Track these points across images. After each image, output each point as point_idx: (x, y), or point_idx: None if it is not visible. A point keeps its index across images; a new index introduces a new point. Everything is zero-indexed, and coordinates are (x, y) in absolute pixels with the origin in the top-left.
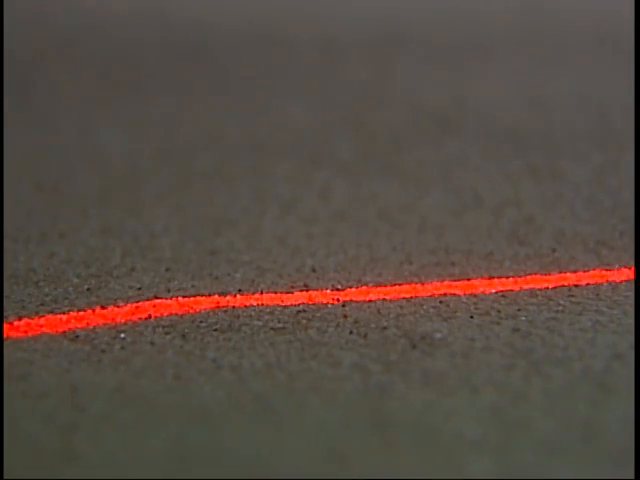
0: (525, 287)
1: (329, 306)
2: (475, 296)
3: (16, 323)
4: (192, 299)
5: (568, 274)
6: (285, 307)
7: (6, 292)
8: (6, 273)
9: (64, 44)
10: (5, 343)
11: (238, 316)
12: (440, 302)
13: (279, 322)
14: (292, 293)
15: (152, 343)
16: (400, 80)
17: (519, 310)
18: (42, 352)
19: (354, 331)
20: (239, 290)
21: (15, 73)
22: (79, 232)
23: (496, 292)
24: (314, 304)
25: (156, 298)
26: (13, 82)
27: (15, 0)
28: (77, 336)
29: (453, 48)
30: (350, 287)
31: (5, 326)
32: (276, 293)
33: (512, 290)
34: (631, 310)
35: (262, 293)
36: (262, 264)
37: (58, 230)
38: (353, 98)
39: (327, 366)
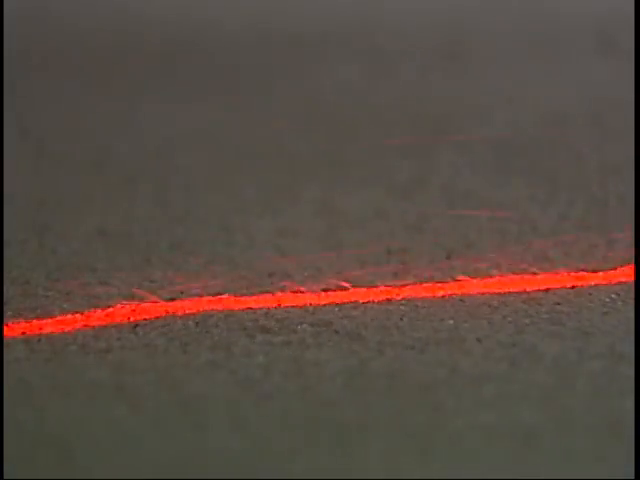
0: (523, 288)
1: (324, 308)
2: (472, 297)
3: (15, 324)
4: (188, 301)
5: (567, 274)
6: (279, 309)
7: (5, 293)
8: (5, 274)
9: (62, 44)
10: (4, 344)
11: (233, 318)
12: (437, 303)
13: (274, 324)
14: (287, 295)
15: (148, 344)
16: (397, 80)
17: (518, 311)
18: (40, 353)
19: (350, 333)
20: (234, 292)
21: (13, 74)
22: (77, 234)
23: (493, 293)
24: (308, 306)
25: (152, 300)
26: (11, 83)
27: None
28: (75, 337)
29: (450, 48)
30: (345, 289)
31: (4, 327)
32: (271, 295)
33: (510, 291)
34: (631, 310)
35: (257, 295)
36: (257, 266)
37: (56, 232)
38: (350, 99)
39: (322, 368)
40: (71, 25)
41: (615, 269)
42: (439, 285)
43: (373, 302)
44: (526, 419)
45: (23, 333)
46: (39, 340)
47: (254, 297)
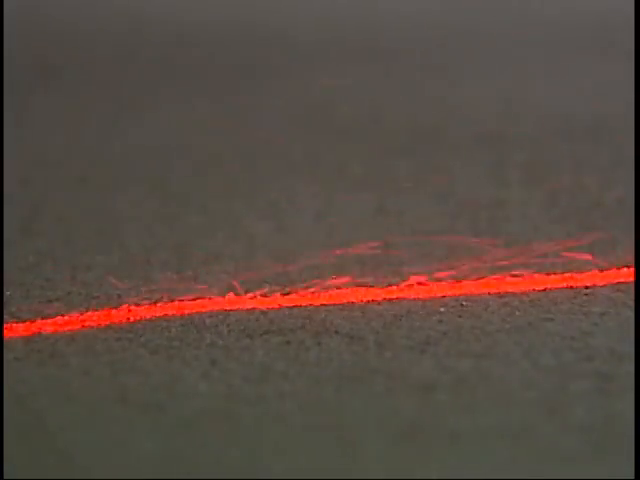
0: (523, 289)
1: (324, 308)
2: (472, 297)
3: (15, 324)
4: (188, 301)
5: (567, 275)
6: (279, 309)
7: (5, 293)
8: (5, 274)
9: (61, 44)
10: (4, 344)
11: (232, 318)
12: (437, 303)
13: (273, 324)
14: (287, 295)
15: (148, 345)
16: (395, 83)
17: (517, 311)
18: (40, 353)
19: (350, 333)
20: (234, 292)
21: (14, 74)
22: (76, 234)
23: (493, 293)
24: (307, 306)
25: (152, 300)
26: (12, 84)
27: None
28: (74, 337)
29: (447, 49)
30: (346, 289)
31: (4, 327)
32: (271, 295)
33: (510, 291)
34: (631, 310)
35: (257, 295)
36: (257, 266)
37: (55, 232)
38: (348, 99)
39: (321, 368)
40: (70, 25)
41: (615, 269)
42: (439, 285)
43: (373, 302)
44: (526, 419)
45: (23, 333)
46: (39, 340)
47: (254, 297)
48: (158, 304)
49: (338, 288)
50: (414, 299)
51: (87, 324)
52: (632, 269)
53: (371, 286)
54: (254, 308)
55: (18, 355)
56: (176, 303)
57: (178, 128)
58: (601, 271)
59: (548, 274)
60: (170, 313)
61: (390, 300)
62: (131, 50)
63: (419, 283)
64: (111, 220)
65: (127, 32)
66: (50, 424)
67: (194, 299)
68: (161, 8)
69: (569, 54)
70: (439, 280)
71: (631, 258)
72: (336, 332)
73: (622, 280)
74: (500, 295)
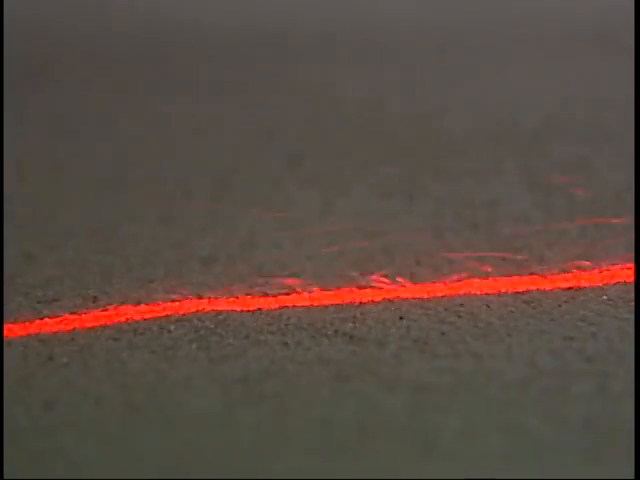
0: (523, 288)
1: (323, 308)
2: (472, 297)
3: (15, 324)
4: (187, 301)
5: (566, 275)
6: (278, 310)
7: (5, 293)
8: (5, 274)
9: (63, 45)
10: (4, 344)
11: (232, 318)
12: (437, 303)
13: (273, 324)
14: (286, 295)
15: (147, 345)
16: (396, 83)
17: (517, 311)
18: (40, 353)
19: (350, 333)
20: (233, 293)
21: (14, 74)
22: (76, 234)
23: (493, 293)
24: (307, 306)
25: (151, 300)
26: (12, 84)
27: (16, 0)
28: (74, 337)
29: (448, 48)
30: (345, 289)
31: (4, 327)
32: (270, 296)
33: (510, 291)
34: (631, 310)
35: (256, 296)
36: (256, 267)
37: (55, 232)
38: (345, 99)
39: (321, 368)
40: (70, 25)
41: (614, 269)
42: (439, 285)
43: (373, 302)
44: (526, 420)
45: (23, 333)
46: (39, 340)
47: (253, 298)
48: (158, 304)
49: (338, 288)
50: (414, 299)
51: (87, 324)
52: (632, 269)
53: (370, 286)
54: (254, 308)
55: (18, 355)
56: (176, 303)
57: (178, 128)
58: (601, 271)
59: (548, 274)
60: (170, 313)
61: (390, 300)
62: (131, 50)
63: (419, 283)
64: (110, 220)
65: (127, 32)
66: (50, 424)
67: (193, 299)
68: (161, 8)
69: (569, 53)
70: (438, 280)
71: (631, 258)
72: (336, 332)
73: (622, 280)
74: (500, 295)
